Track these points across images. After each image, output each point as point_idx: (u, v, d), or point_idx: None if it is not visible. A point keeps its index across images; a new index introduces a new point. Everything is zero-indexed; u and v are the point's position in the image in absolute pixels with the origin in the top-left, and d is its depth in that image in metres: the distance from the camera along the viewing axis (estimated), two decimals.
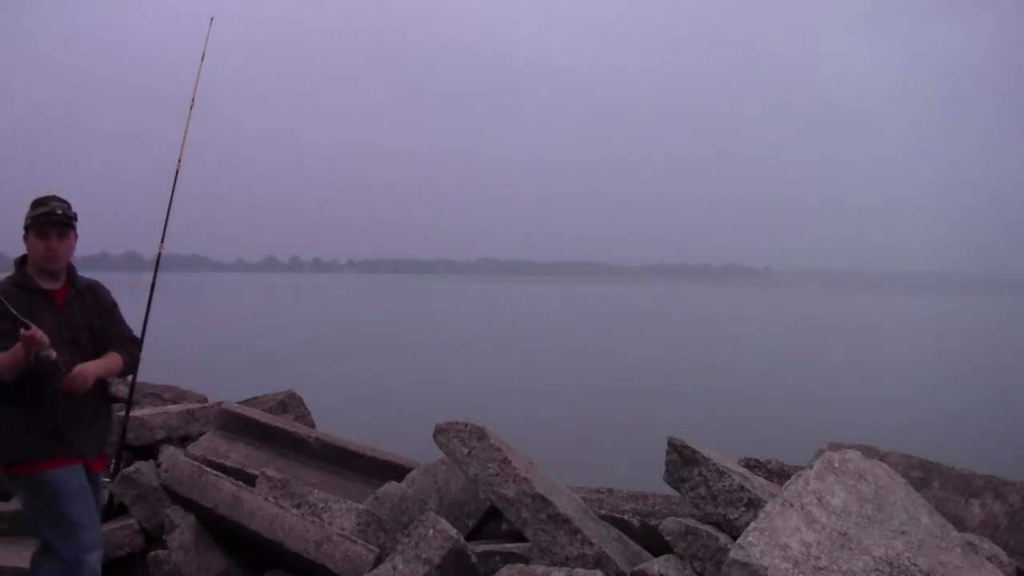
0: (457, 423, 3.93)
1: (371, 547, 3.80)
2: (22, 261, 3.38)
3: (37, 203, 3.35)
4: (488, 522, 4.67)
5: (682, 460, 3.72)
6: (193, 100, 4.51)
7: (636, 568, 3.42)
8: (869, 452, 4.69)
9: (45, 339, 3.14)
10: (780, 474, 4.60)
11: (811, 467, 3.48)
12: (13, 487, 3.41)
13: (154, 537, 4.25)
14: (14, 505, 4.61)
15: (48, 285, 3.36)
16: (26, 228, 3.33)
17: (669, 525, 3.50)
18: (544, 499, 3.65)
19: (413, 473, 4.94)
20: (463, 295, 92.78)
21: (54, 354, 3.19)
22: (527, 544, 3.85)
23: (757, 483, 3.86)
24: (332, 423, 6.97)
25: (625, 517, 4.28)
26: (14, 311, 3.12)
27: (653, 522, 4.08)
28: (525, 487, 3.69)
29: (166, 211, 4.22)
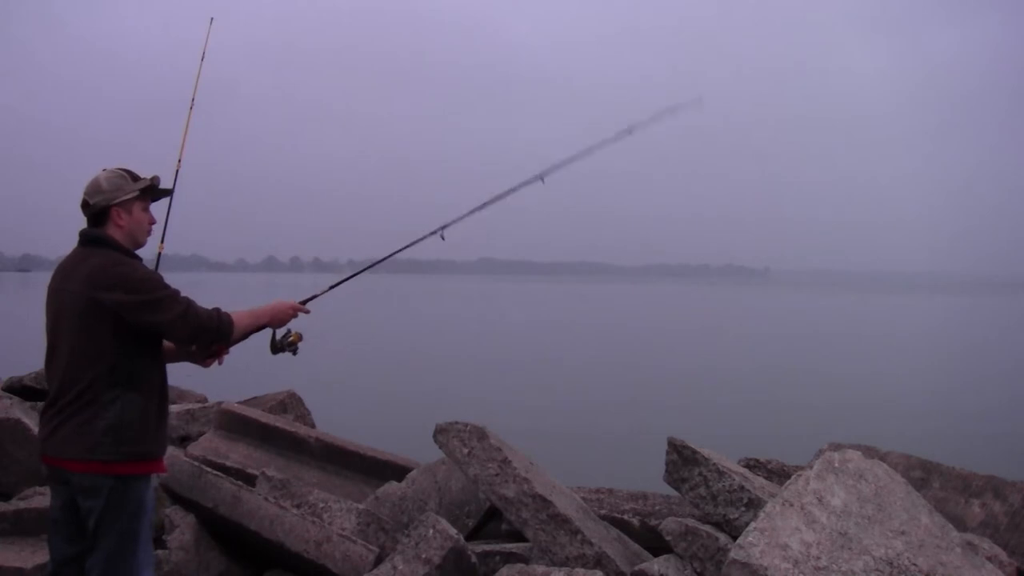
0: (457, 423, 3.93)
1: (371, 547, 3.80)
2: (106, 239, 3.02)
3: (132, 175, 3.08)
4: (488, 522, 4.67)
5: (682, 460, 3.72)
6: (193, 100, 4.50)
7: (636, 568, 3.43)
8: (869, 452, 4.69)
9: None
10: (780, 474, 4.60)
11: (811, 467, 3.49)
12: (100, 490, 2.88)
13: (154, 537, 4.25)
14: (14, 505, 4.60)
15: None
16: (125, 202, 3.03)
17: (669, 525, 3.50)
18: (544, 499, 3.65)
19: (413, 473, 4.94)
20: (463, 295, 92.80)
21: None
22: (527, 544, 3.85)
23: (757, 483, 3.86)
24: (332, 423, 6.98)
25: (625, 517, 4.28)
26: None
27: (653, 522, 4.09)
28: (525, 487, 3.69)
29: (166, 211, 4.21)
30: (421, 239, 3.95)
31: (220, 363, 3.35)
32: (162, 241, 4.29)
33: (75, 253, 3.05)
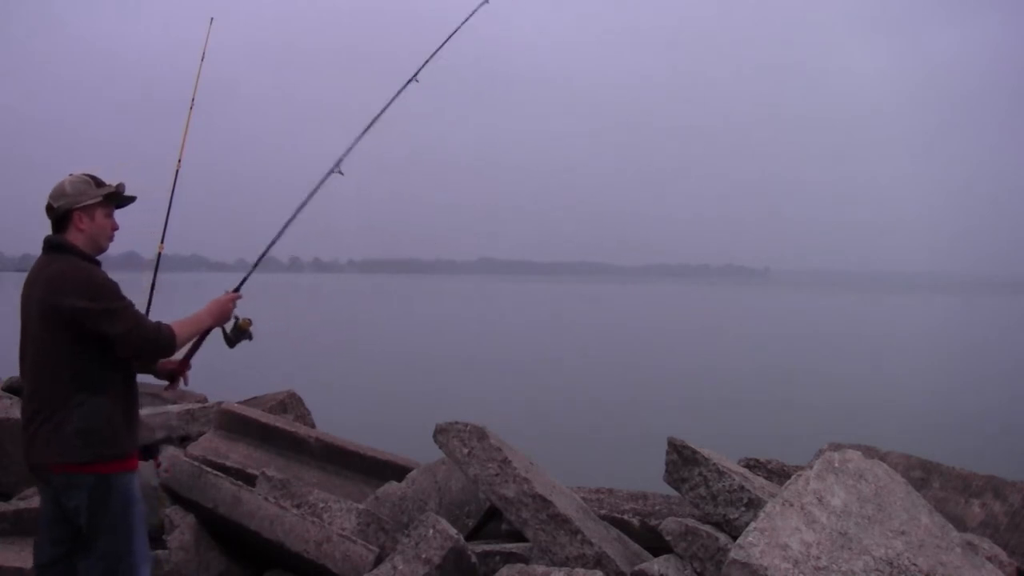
0: (457, 423, 3.93)
1: (371, 547, 3.80)
2: (68, 245, 3.04)
3: (96, 181, 3.11)
4: (488, 522, 4.67)
5: (682, 460, 3.72)
6: (193, 100, 4.50)
7: (636, 568, 3.42)
8: (869, 452, 4.69)
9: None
10: (780, 474, 4.60)
11: (811, 467, 3.49)
12: (81, 488, 2.93)
13: (154, 537, 4.25)
14: (14, 505, 4.61)
15: None
16: (88, 206, 3.06)
17: (669, 525, 3.50)
18: (544, 499, 3.65)
19: (413, 473, 4.94)
20: (463, 295, 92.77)
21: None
22: (527, 544, 3.85)
23: (757, 483, 3.86)
24: (332, 423, 6.97)
25: (625, 517, 4.28)
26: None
27: (653, 522, 4.08)
28: (525, 487, 3.69)
29: (166, 211, 4.22)
30: (321, 182, 3.97)
31: (186, 382, 3.45)
32: (162, 241, 4.28)
33: (39, 260, 3.09)
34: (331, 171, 4.02)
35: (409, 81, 4.20)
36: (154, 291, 4.20)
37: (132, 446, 3.09)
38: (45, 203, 3.10)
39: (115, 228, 3.19)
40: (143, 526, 3.09)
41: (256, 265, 3.86)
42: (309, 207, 3.92)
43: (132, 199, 3.24)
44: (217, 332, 3.41)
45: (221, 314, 3.33)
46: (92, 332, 2.92)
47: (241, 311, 3.44)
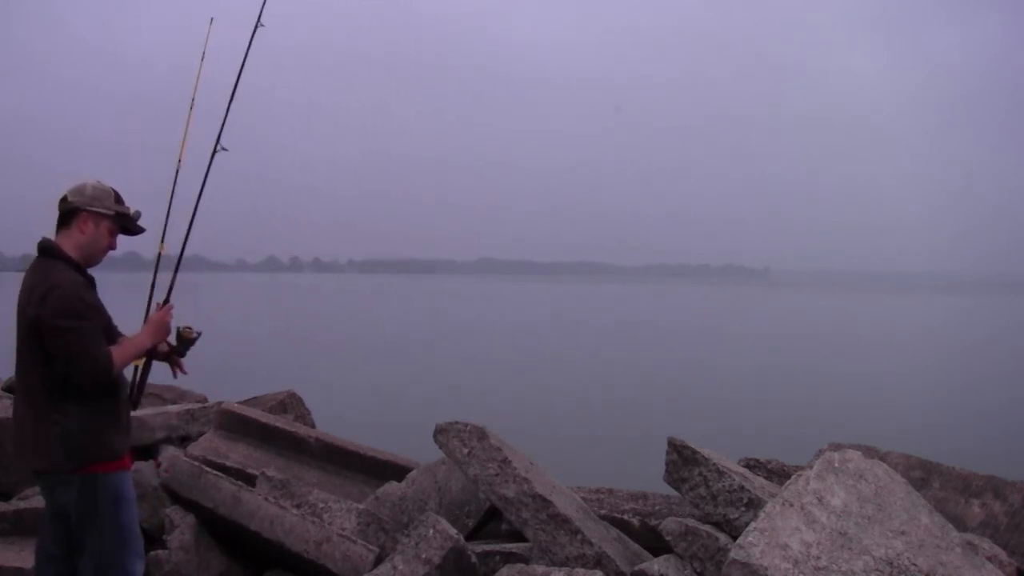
0: (457, 423, 3.93)
1: (371, 547, 3.80)
2: (57, 252, 3.04)
3: (118, 197, 3.14)
4: (488, 522, 4.67)
5: (682, 460, 3.72)
6: (193, 100, 4.51)
7: (636, 568, 3.42)
8: (869, 452, 4.69)
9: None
10: (780, 474, 4.60)
11: (811, 467, 3.48)
12: (70, 485, 2.97)
13: (154, 537, 4.26)
14: (14, 505, 4.61)
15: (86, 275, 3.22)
16: (98, 214, 3.07)
17: (669, 525, 3.50)
18: (544, 499, 3.65)
19: (413, 473, 4.94)
20: (463, 295, 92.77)
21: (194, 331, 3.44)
22: (527, 544, 3.85)
23: (757, 483, 3.86)
24: (332, 423, 6.97)
25: (625, 517, 4.27)
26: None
27: (653, 522, 4.08)
28: (525, 487, 3.69)
29: (166, 211, 4.22)
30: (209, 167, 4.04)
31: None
32: (162, 241, 4.29)
33: (32, 263, 3.09)
34: (215, 151, 4.04)
35: (256, 27, 4.41)
36: (154, 291, 4.21)
37: (121, 447, 3.09)
38: (61, 195, 3.10)
39: (112, 247, 3.20)
40: (135, 525, 3.09)
41: (177, 269, 3.82)
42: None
43: (141, 230, 3.27)
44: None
45: (160, 332, 3.29)
46: (44, 343, 2.92)
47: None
